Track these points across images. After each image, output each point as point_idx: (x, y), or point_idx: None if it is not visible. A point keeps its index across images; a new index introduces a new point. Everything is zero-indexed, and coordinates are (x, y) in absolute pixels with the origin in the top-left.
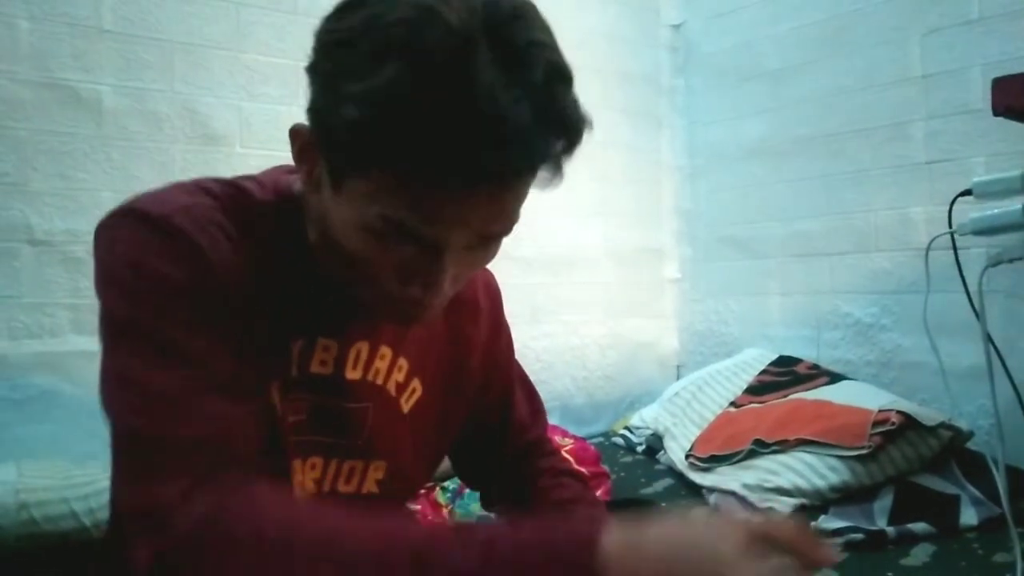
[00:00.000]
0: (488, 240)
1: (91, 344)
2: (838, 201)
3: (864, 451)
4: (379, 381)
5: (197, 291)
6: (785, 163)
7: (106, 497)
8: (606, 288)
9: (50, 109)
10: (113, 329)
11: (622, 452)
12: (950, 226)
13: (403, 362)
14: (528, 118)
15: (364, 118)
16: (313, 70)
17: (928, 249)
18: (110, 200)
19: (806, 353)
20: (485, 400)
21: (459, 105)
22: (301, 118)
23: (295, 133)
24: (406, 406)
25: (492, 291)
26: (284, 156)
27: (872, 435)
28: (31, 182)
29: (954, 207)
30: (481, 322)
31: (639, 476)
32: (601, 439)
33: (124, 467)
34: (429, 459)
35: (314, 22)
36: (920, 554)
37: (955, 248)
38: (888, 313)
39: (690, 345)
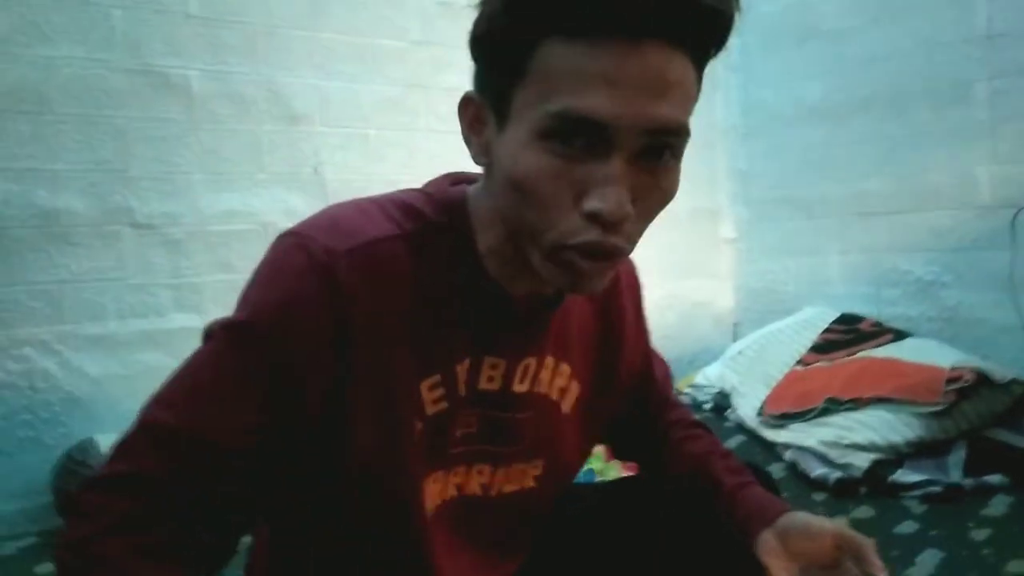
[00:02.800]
0: (659, 143)
1: (193, 321)
2: (898, 161)
3: (939, 407)
4: (542, 390)
5: (296, 357)
6: (844, 124)
7: None
8: (663, 250)
9: (144, 96)
10: (216, 330)
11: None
12: None
13: (565, 367)
14: None
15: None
16: (471, 41)
17: (1016, 216)
18: (202, 183)
19: (865, 310)
20: (632, 386)
21: None
22: (378, 95)
23: (463, 105)
24: (566, 406)
25: (635, 288)
26: (362, 133)
27: (946, 392)
28: (130, 168)
29: None
30: (628, 321)
31: None
32: None
33: (109, 460)
34: (586, 450)
35: None
36: (999, 505)
37: None
38: (949, 270)
39: (746, 303)
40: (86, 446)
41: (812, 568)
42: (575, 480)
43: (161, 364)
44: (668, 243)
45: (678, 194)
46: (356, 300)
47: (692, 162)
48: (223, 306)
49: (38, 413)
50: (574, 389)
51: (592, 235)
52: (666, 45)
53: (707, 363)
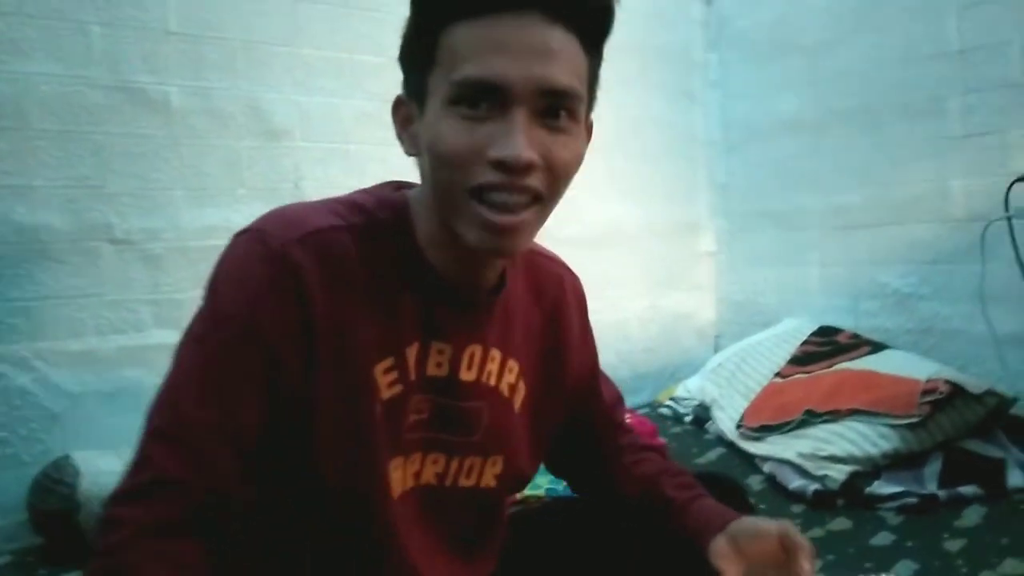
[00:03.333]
0: (554, 103)
1: (173, 337)
2: (875, 174)
3: (914, 419)
4: (492, 383)
5: (276, 334)
6: (821, 137)
7: None
8: (645, 263)
9: (123, 112)
10: (192, 330)
11: (670, 422)
12: (1007, 209)
13: (513, 364)
14: None
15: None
16: (399, 54)
17: (986, 229)
18: (183, 198)
19: (844, 322)
20: (577, 397)
21: None
22: (357, 110)
23: (395, 107)
24: (516, 405)
25: (580, 297)
26: (342, 148)
27: (922, 404)
28: (109, 184)
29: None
30: (573, 325)
31: (690, 446)
32: (647, 410)
33: (127, 475)
34: (537, 454)
35: (366, 15)
36: (972, 515)
37: (1011, 229)
38: (927, 283)
39: (727, 315)
40: (62, 463)
41: (765, 568)
42: (552, 493)
43: (141, 380)
44: (649, 256)
45: (660, 208)
46: (313, 285)
47: (672, 175)
48: None
49: (15, 430)
50: (522, 389)
51: (501, 177)
52: (545, 18)
53: (689, 375)
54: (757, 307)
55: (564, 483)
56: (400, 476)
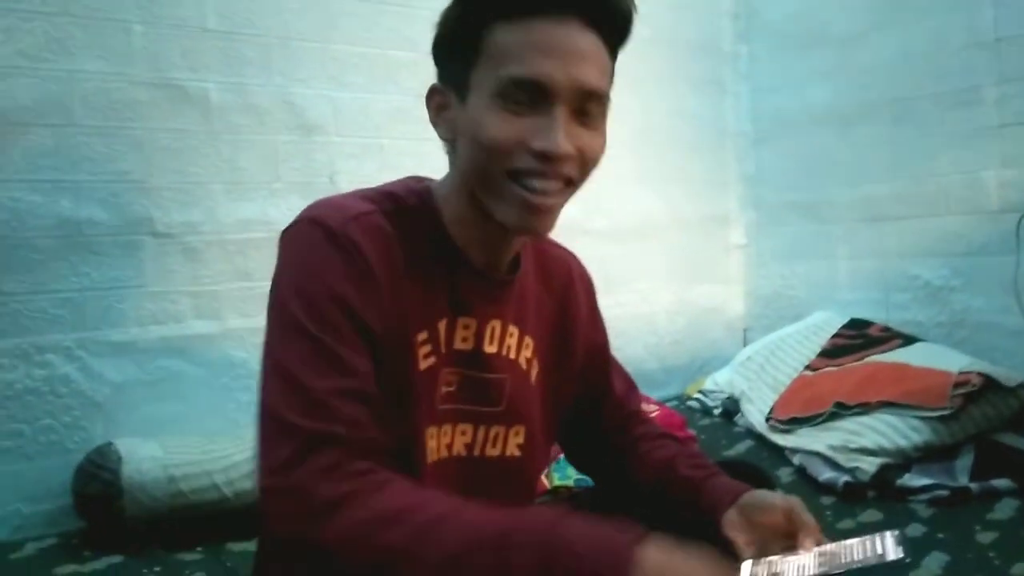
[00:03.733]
0: (587, 103)
1: (211, 327)
2: (906, 165)
3: (946, 412)
4: (512, 356)
5: (359, 303)
6: (852, 128)
7: (243, 469)
8: (673, 255)
9: (163, 108)
10: (282, 322)
11: (699, 415)
12: None
13: (529, 340)
14: None
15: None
16: (433, 45)
17: (1021, 220)
18: (221, 192)
19: (875, 315)
20: (587, 380)
21: None
22: (390, 105)
23: (429, 95)
24: (532, 378)
25: (587, 282)
26: (375, 142)
27: (954, 396)
28: (150, 178)
29: None
30: (581, 307)
31: (719, 439)
32: (675, 403)
33: (272, 451)
34: (550, 429)
35: (399, 10)
36: (1005, 508)
37: None
38: (959, 275)
39: (756, 309)
40: (105, 450)
41: (775, 539)
42: (581, 484)
43: (180, 370)
44: (678, 249)
45: (689, 201)
46: (371, 258)
47: (702, 168)
48: (241, 313)
49: (60, 418)
50: (536, 365)
51: (540, 164)
52: (582, 24)
53: (717, 369)
54: (786, 300)
55: (572, 479)
56: (434, 446)
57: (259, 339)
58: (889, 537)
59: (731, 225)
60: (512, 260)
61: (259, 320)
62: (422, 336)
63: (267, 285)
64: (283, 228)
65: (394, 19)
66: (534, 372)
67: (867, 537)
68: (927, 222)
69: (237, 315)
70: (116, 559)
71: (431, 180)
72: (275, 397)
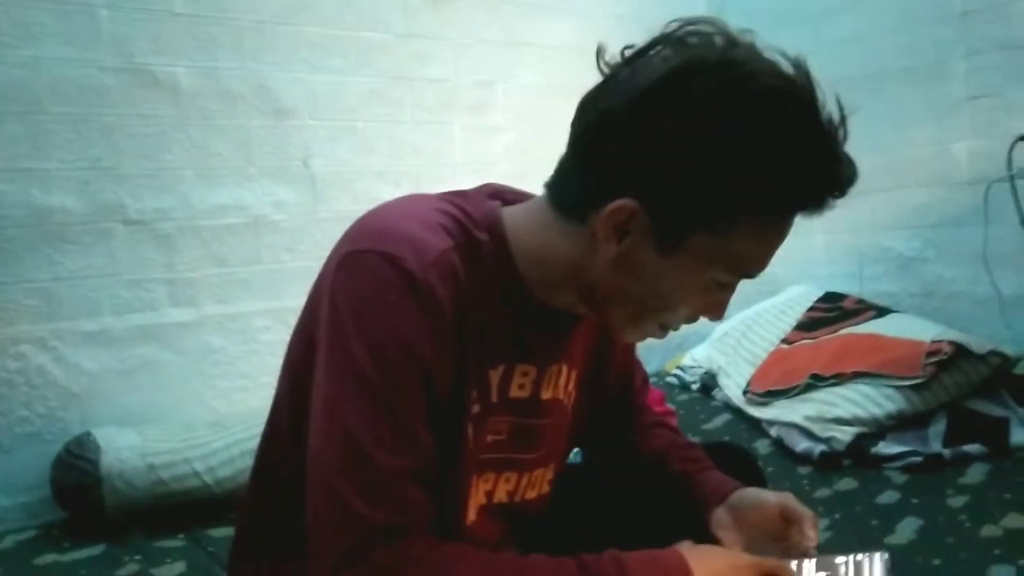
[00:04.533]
0: None
1: (187, 315)
2: (878, 139)
3: (919, 380)
4: (560, 396)
5: (435, 362)
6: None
7: (223, 456)
8: None
9: (132, 94)
10: (349, 373)
11: (677, 390)
12: (1009, 168)
13: (573, 374)
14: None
15: (767, 162)
16: (655, 148)
17: (988, 190)
18: (192, 177)
19: (849, 288)
20: (613, 390)
21: (816, 140)
22: (364, 87)
23: (618, 209)
24: (569, 408)
25: None
26: (349, 125)
27: (926, 365)
28: (121, 165)
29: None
30: None
31: (698, 413)
32: (655, 379)
33: (335, 537)
34: (575, 442)
35: None
36: (976, 473)
37: (1014, 188)
38: (931, 246)
39: None
40: (84, 440)
41: (763, 538)
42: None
43: (156, 358)
44: None
45: None
46: (447, 308)
47: None
48: (217, 300)
49: (35, 409)
50: (573, 393)
51: (684, 323)
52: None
53: (695, 345)
54: (763, 275)
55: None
56: (477, 495)
57: (236, 325)
58: (879, 561)
59: None
60: None
61: (236, 306)
62: (473, 383)
63: (243, 271)
64: (257, 213)
65: (367, 1)
66: (571, 400)
67: (856, 556)
68: (899, 194)
69: (214, 301)
70: (97, 549)
71: (501, 193)
72: (334, 463)
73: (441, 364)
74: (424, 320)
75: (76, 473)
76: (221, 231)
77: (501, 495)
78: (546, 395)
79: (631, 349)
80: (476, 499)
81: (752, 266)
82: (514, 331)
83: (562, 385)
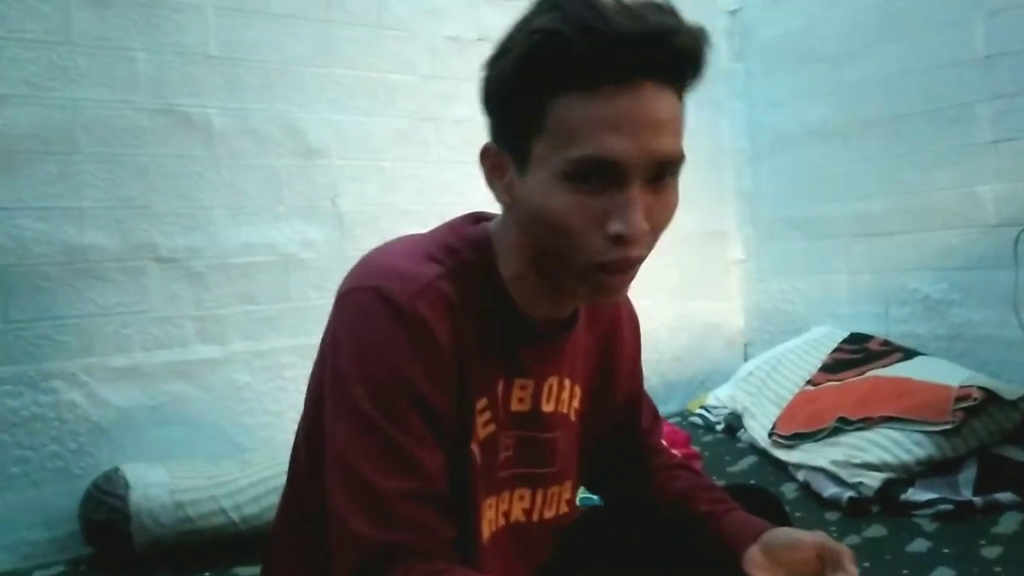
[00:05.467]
0: (661, 170)
1: (215, 352)
2: (902, 181)
3: (948, 426)
4: (564, 410)
5: (429, 389)
6: (847, 144)
7: (249, 494)
8: (674, 271)
9: (166, 134)
10: (347, 409)
11: (701, 431)
12: None
13: (577, 389)
14: (644, 25)
15: (519, 60)
16: (484, 98)
17: (1019, 235)
18: (224, 216)
19: (874, 329)
20: (619, 420)
21: (592, 21)
22: (390, 128)
23: (483, 153)
24: (575, 423)
25: (634, 324)
26: (376, 165)
27: (955, 411)
28: (154, 204)
29: None
30: (625, 353)
31: (723, 455)
32: (678, 419)
33: (342, 560)
34: (584, 470)
35: (397, 35)
36: (1009, 522)
37: None
38: (957, 288)
39: (756, 324)
40: (112, 476)
41: None
42: (586, 503)
43: (184, 394)
44: (678, 265)
45: (687, 216)
46: (440, 335)
47: (700, 185)
48: (245, 336)
49: (66, 444)
50: (580, 409)
51: (618, 253)
52: (655, 85)
53: (718, 384)
54: (786, 315)
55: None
56: (492, 516)
57: (263, 362)
58: None
59: (729, 241)
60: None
61: (264, 343)
62: (482, 403)
63: (271, 308)
64: (286, 251)
65: (393, 43)
66: (576, 415)
67: None
68: (924, 236)
69: (241, 338)
70: None
71: (488, 219)
72: (341, 497)
73: (437, 390)
74: (415, 349)
75: (105, 510)
76: (250, 269)
77: (518, 514)
78: (547, 408)
79: (637, 375)
80: (492, 520)
81: (588, 146)
82: (509, 347)
83: (565, 400)
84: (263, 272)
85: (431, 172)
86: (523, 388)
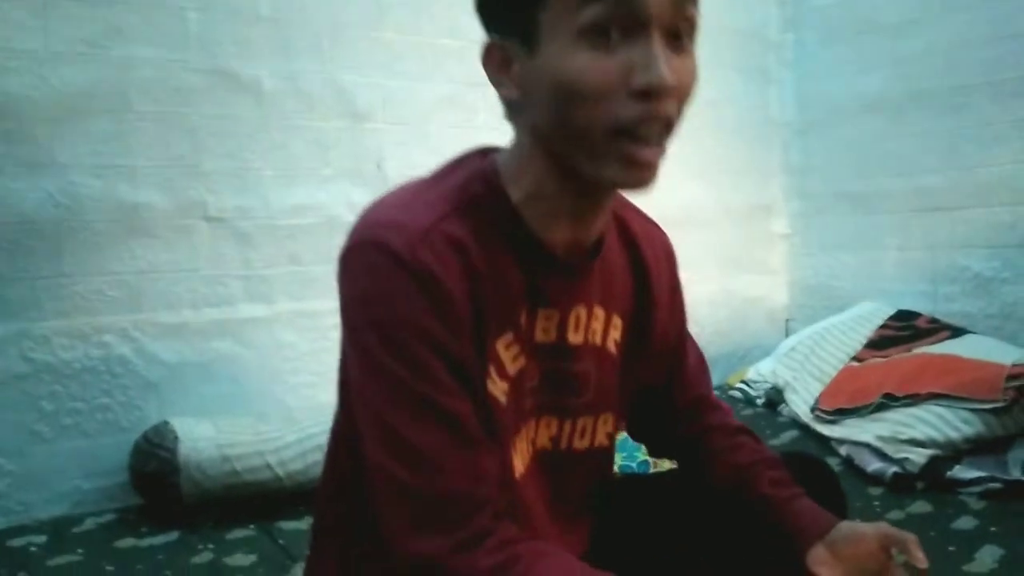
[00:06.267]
0: (680, 28)
1: (262, 311)
2: (959, 155)
3: (999, 404)
4: (597, 342)
5: (445, 336)
6: (903, 118)
7: (294, 451)
8: (717, 244)
9: (217, 95)
10: (372, 367)
11: (742, 405)
12: None
13: (617, 320)
14: None
15: None
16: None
17: None
18: (272, 178)
19: (922, 307)
20: (660, 360)
21: None
22: (437, 93)
23: (486, 52)
24: (617, 354)
25: (671, 258)
26: (423, 129)
27: (1007, 388)
28: (203, 163)
29: None
30: (663, 287)
31: (763, 428)
32: (718, 392)
33: (393, 513)
34: (625, 410)
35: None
36: None
37: None
38: (1009, 266)
39: (800, 299)
40: (162, 429)
41: (863, 570)
42: (625, 470)
43: (231, 352)
44: (722, 238)
45: (733, 190)
46: (447, 279)
47: (746, 157)
48: (291, 296)
49: (116, 397)
50: (619, 339)
51: (644, 108)
52: None
53: (759, 359)
54: (831, 291)
55: (636, 461)
56: (523, 447)
57: (308, 322)
58: None
59: (775, 215)
60: (598, 235)
61: (309, 303)
62: (506, 339)
63: (316, 269)
64: (332, 213)
65: (443, 7)
66: (617, 352)
67: None
68: (978, 212)
69: (287, 298)
70: (172, 535)
71: (497, 152)
72: (383, 455)
73: (454, 337)
74: (422, 297)
75: (155, 461)
76: (296, 230)
77: (544, 441)
78: (575, 339)
79: (679, 311)
80: (524, 452)
81: None
82: (528, 277)
83: (598, 329)
84: (309, 233)
85: (477, 138)
86: (548, 319)
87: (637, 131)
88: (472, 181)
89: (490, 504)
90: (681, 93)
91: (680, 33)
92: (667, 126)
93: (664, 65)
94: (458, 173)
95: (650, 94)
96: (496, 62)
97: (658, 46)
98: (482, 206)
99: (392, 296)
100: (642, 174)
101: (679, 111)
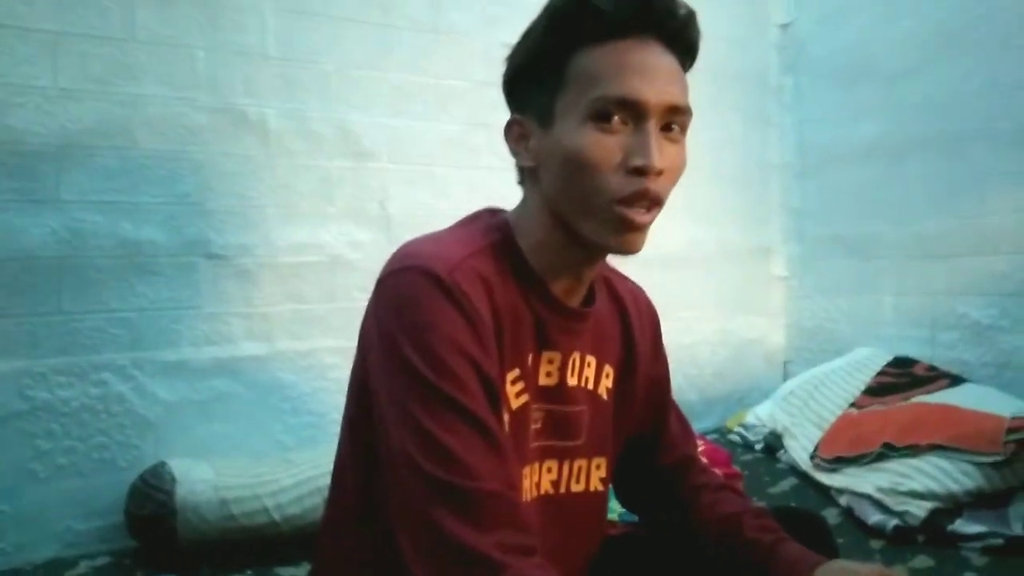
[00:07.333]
0: (673, 118)
1: (262, 349)
2: (956, 203)
3: (999, 458)
4: (590, 387)
5: (479, 353)
6: (900, 164)
7: (292, 495)
8: (716, 285)
9: (223, 133)
10: (408, 379)
11: (740, 450)
12: None
13: (609, 370)
14: None
15: (546, 23)
16: (509, 77)
17: None
18: (275, 216)
19: (919, 353)
20: (645, 414)
21: None
22: (443, 133)
23: (509, 127)
24: (610, 401)
25: (652, 315)
26: (427, 170)
27: (1007, 442)
28: (207, 201)
29: None
30: (645, 340)
31: (763, 475)
32: (716, 435)
33: (434, 513)
34: (620, 446)
35: (452, 40)
36: None
37: None
38: (1007, 315)
39: (798, 342)
40: (159, 470)
41: None
42: (625, 518)
43: (230, 391)
44: (720, 279)
45: (732, 230)
46: (479, 304)
47: (745, 199)
48: (292, 336)
49: (113, 436)
50: (611, 387)
51: (638, 184)
52: (661, 45)
53: (757, 401)
54: (828, 334)
55: None
56: (527, 486)
57: (307, 361)
58: None
59: (774, 257)
60: (589, 290)
61: (308, 343)
62: (513, 374)
63: (317, 308)
64: (334, 252)
65: (449, 49)
66: (610, 400)
67: None
68: (975, 260)
69: (288, 337)
70: None
71: (504, 211)
72: (419, 457)
73: (484, 354)
74: (460, 317)
75: (152, 504)
76: (299, 268)
77: (546, 485)
78: (572, 382)
79: (660, 364)
80: (529, 491)
81: (611, 86)
82: (537, 320)
83: (590, 376)
84: (311, 272)
85: (481, 179)
86: (550, 362)
87: (630, 202)
88: (490, 230)
89: (519, 507)
90: (670, 174)
91: (673, 127)
92: (656, 201)
93: (656, 151)
94: (477, 224)
95: (643, 173)
96: (516, 135)
97: (653, 134)
98: (500, 251)
99: (430, 310)
100: (632, 236)
101: (667, 189)
